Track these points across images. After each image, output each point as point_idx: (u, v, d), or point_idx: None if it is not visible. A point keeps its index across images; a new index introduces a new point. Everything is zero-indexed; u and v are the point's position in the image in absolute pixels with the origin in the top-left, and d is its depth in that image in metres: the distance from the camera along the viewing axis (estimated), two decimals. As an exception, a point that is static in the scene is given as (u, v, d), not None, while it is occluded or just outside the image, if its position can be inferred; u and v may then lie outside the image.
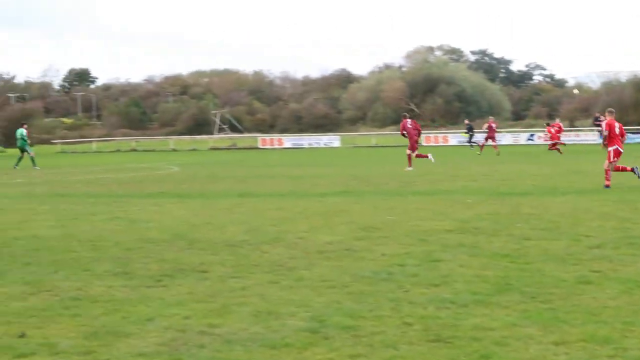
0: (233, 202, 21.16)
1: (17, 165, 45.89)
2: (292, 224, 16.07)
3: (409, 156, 35.76)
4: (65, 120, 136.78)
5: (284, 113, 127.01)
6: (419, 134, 36.65)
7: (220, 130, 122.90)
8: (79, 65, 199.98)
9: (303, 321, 8.23)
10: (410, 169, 34.99)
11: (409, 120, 36.50)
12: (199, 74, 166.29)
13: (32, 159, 46.60)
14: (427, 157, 37.15)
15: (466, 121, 73.67)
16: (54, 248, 13.53)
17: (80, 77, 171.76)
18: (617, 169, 24.20)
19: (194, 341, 7.58)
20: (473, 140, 66.32)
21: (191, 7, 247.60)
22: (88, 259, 12.33)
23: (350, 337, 7.64)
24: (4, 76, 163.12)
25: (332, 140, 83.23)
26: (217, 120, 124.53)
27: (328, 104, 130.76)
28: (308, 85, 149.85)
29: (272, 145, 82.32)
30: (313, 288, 9.87)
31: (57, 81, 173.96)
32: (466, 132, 68.62)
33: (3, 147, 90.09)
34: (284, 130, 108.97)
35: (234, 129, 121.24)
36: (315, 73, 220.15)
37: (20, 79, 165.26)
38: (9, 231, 15.79)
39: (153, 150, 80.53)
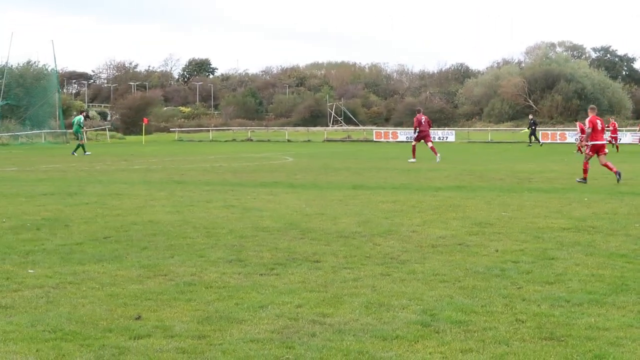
0: (346, 193, 21.22)
1: (74, 152, 47.22)
2: (405, 217, 16.04)
3: (414, 147, 38.52)
4: (183, 109, 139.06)
5: (399, 106, 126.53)
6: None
7: (335, 122, 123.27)
8: (198, 55, 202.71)
9: (414, 314, 8.22)
10: (413, 160, 37.69)
11: (423, 117, 38.30)
12: (316, 65, 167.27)
13: (83, 147, 47.86)
14: (436, 154, 37.69)
15: (530, 116, 73.28)
16: (170, 233, 13.79)
17: (200, 67, 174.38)
18: (605, 165, 25.39)
19: (306, 330, 7.63)
20: (533, 136, 66.77)
21: (309, 0, 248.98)
22: (203, 245, 12.53)
23: (462, 331, 7.59)
24: (126, 65, 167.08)
25: (447, 134, 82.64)
26: (332, 112, 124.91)
27: (444, 99, 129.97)
28: (425, 79, 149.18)
29: (387, 138, 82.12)
30: (425, 281, 9.84)
31: (176, 71, 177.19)
32: (528, 128, 68.40)
33: (123, 134, 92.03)
34: (399, 124, 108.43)
35: (348, 122, 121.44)
36: (432, 67, 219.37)
37: (141, 68, 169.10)
38: (128, 216, 16.14)
39: (268, 141, 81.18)
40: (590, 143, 25.21)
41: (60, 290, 9.36)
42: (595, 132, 25.20)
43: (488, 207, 17.99)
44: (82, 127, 49.23)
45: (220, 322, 7.91)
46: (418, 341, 7.29)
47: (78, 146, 47.86)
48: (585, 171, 24.80)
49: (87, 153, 46.79)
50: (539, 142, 66.85)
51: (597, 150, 25.22)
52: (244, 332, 7.55)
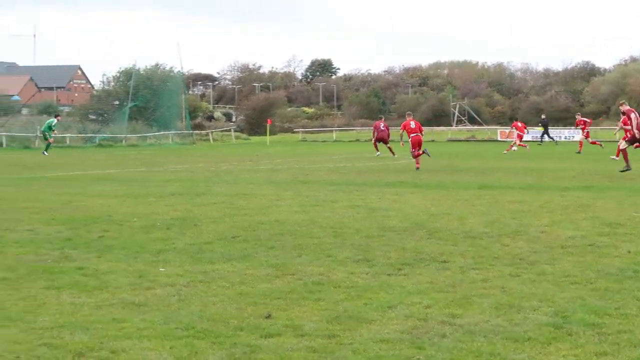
0: (472, 193, 21.03)
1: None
2: (533, 218, 15.80)
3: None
4: (306, 109, 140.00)
5: (524, 105, 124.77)
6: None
7: (459, 122, 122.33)
8: (321, 56, 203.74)
9: (546, 316, 8.08)
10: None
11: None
12: (438, 65, 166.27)
13: (48, 145, 50.64)
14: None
15: (543, 116, 73.03)
16: (297, 233, 13.88)
17: (323, 67, 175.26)
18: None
19: (436, 330, 7.57)
20: (545, 136, 68.01)
21: (428, 2, 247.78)
22: (330, 245, 12.57)
23: (595, 334, 7.43)
24: (250, 67, 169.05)
25: (572, 134, 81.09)
26: (456, 112, 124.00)
27: (569, 97, 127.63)
28: (549, 77, 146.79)
29: (512, 138, 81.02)
30: (555, 283, 9.67)
31: (299, 71, 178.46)
32: (540, 127, 68.10)
33: (247, 134, 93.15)
34: (524, 123, 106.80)
35: (472, 121, 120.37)
36: (557, 65, 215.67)
37: (265, 70, 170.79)
38: (255, 216, 16.31)
39: (392, 141, 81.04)
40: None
41: (191, 289, 9.51)
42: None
43: (618, 207, 17.59)
44: (53, 130, 52.47)
45: (349, 321, 7.91)
46: (551, 343, 7.16)
47: (48, 145, 50.67)
48: None
49: (45, 153, 48.88)
50: (540, 141, 68.32)
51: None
52: (374, 332, 7.54)
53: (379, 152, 46.09)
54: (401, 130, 35.85)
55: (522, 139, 54.73)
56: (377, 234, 13.72)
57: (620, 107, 29.93)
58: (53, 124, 52.34)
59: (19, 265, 11.01)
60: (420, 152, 33.22)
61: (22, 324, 7.89)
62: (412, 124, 34.82)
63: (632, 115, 28.08)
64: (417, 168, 32.48)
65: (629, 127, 28.38)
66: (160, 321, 7.94)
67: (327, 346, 7.11)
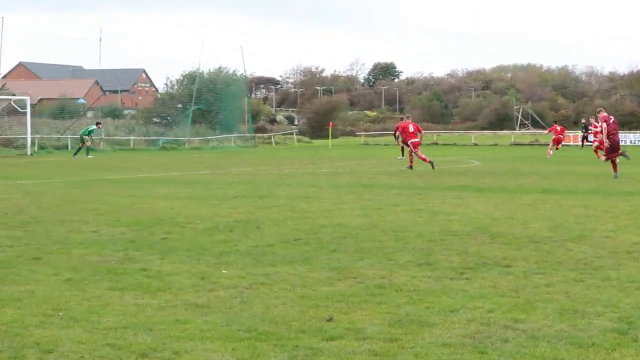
0: (536, 197, 20.84)
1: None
2: (598, 222, 15.61)
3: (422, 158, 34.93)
4: (368, 112, 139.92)
5: (588, 109, 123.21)
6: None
7: (522, 125, 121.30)
8: (383, 59, 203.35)
9: (610, 322, 7.98)
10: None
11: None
12: (502, 68, 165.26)
13: (81, 150, 51.24)
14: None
15: (582, 120, 72.81)
16: (359, 236, 13.87)
17: (385, 71, 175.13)
18: None
19: (498, 335, 7.51)
20: (587, 138, 66.86)
21: (492, 3, 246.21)
22: (391, 249, 12.54)
23: (662, 341, 7.32)
24: (312, 70, 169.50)
25: (638, 138, 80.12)
26: (519, 116, 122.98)
27: (635, 101, 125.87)
28: (614, 81, 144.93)
29: (576, 142, 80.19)
30: (621, 289, 9.54)
31: (362, 75, 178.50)
32: (582, 131, 67.97)
33: (309, 138, 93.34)
34: (587, 127, 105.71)
35: (535, 125, 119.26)
36: (622, 68, 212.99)
37: (327, 73, 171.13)
38: (317, 219, 16.33)
39: (454, 144, 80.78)
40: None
41: (253, 291, 9.55)
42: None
43: (686, 212, 17.32)
44: (91, 136, 52.61)
45: (411, 325, 7.88)
46: (615, 349, 7.06)
47: (78, 149, 51.48)
48: None
49: (76, 156, 49.85)
50: (581, 145, 68.20)
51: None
52: (436, 336, 7.50)
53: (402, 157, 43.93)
54: (396, 132, 37.33)
55: (560, 143, 53.54)
56: (439, 237, 13.66)
57: (598, 114, 30.39)
58: (91, 129, 52.70)
59: (83, 266, 11.15)
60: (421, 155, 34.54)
61: (87, 324, 7.99)
62: (411, 128, 35.63)
63: (604, 125, 28.67)
64: (410, 167, 34.74)
65: (598, 134, 29.47)
66: (222, 323, 7.98)
67: (389, 350, 7.09)
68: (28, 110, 56.40)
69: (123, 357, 6.92)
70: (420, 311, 8.45)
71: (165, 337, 7.48)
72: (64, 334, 7.63)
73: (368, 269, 10.85)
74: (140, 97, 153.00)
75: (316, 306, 8.72)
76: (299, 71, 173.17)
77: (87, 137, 51.30)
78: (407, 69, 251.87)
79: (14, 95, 65.85)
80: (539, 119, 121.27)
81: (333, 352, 7.02)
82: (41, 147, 57.90)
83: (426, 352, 7.00)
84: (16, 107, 57.61)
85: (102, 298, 9.17)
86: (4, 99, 60.17)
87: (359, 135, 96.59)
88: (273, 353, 7.01)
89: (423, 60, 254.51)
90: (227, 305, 8.77)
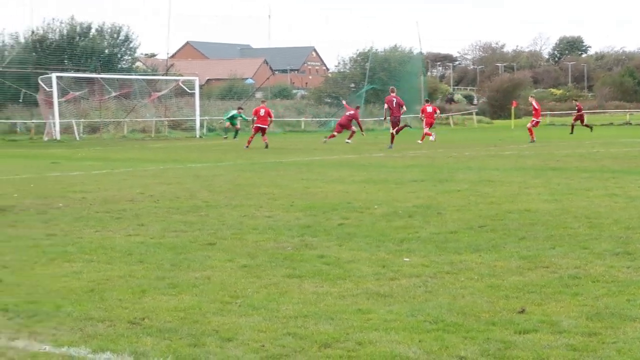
0: None
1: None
2: None
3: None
4: (554, 91, 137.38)
5: None
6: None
7: None
8: (570, 33, 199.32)
9: None
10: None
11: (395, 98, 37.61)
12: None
13: (230, 130, 52.36)
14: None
15: None
16: (549, 223, 13.64)
17: (571, 45, 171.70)
18: None
19: None
20: None
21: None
22: (585, 237, 12.29)
23: None
24: (492, 46, 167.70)
25: None
26: None
27: None
28: None
29: None
30: None
31: (546, 50, 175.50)
32: None
33: (490, 118, 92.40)
34: None
35: None
36: None
37: (508, 49, 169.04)
38: (502, 204, 16.16)
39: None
40: None
41: (437, 280, 9.53)
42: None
43: None
44: (234, 120, 52.93)
45: (611, 319, 7.70)
46: None
47: (236, 132, 52.14)
48: None
49: (236, 138, 50.90)
50: None
51: None
52: (639, 331, 7.32)
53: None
54: (386, 106, 38.75)
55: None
56: (638, 225, 13.30)
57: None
58: (232, 114, 53.45)
59: (258, 252, 11.36)
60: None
61: (265, 312, 8.14)
62: (262, 112, 39.36)
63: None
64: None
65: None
66: (407, 313, 7.99)
67: (588, 345, 6.95)
68: (197, 91, 57.85)
69: (305, 346, 7.02)
70: (621, 304, 8.25)
71: (347, 327, 7.55)
72: (243, 321, 7.80)
73: (561, 258, 10.66)
74: (310, 77, 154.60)
75: (506, 297, 8.63)
76: (477, 47, 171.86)
77: (239, 119, 52.66)
78: (596, 44, 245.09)
79: (182, 75, 67.65)
80: None
81: (527, 346, 6.94)
82: (210, 130, 59.26)
83: (629, 348, 6.84)
84: (184, 87, 59.13)
85: (279, 285, 9.33)
86: (172, 80, 61.88)
87: (544, 115, 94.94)
88: (463, 345, 6.97)
89: (614, 33, 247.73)
90: (410, 295, 8.78)
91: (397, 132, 38.97)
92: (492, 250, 11.28)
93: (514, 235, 12.52)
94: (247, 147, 39.12)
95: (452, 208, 15.69)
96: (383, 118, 43.88)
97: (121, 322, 7.83)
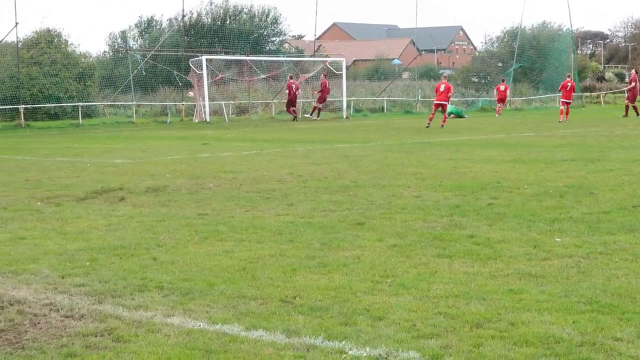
0: None
1: None
2: None
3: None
4: None
5: None
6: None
7: None
8: None
9: None
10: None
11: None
12: None
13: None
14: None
15: None
16: None
17: None
18: None
19: None
20: None
21: None
22: None
23: None
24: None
25: None
26: None
27: None
28: None
29: None
30: None
31: None
32: None
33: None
34: None
35: None
36: None
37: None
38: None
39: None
40: None
41: (590, 261, 9.36)
42: None
43: None
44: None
45: None
46: None
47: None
48: None
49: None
50: None
51: None
52: None
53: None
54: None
55: None
56: None
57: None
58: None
59: (408, 232, 11.35)
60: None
61: (416, 291, 8.13)
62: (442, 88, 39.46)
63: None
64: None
65: None
66: (560, 294, 7.88)
67: None
68: (344, 72, 57.94)
69: (457, 326, 6.99)
70: None
71: (499, 307, 7.48)
72: (393, 300, 7.81)
73: None
74: (457, 56, 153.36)
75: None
76: (630, 24, 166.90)
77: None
78: None
79: (329, 57, 67.97)
80: None
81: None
82: (356, 110, 59.39)
83: None
84: (332, 68, 59.35)
85: (429, 265, 9.30)
86: (319, 61, 62.24)
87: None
88: (618, 327, 6.84)
89: None
90: (563, 276, 8.65)
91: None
92: (651, 231, 11.02)
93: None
94: (428, 125, 38.84)
95: (605, 188, 15.36)
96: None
97: (273, 300, 7.93)
